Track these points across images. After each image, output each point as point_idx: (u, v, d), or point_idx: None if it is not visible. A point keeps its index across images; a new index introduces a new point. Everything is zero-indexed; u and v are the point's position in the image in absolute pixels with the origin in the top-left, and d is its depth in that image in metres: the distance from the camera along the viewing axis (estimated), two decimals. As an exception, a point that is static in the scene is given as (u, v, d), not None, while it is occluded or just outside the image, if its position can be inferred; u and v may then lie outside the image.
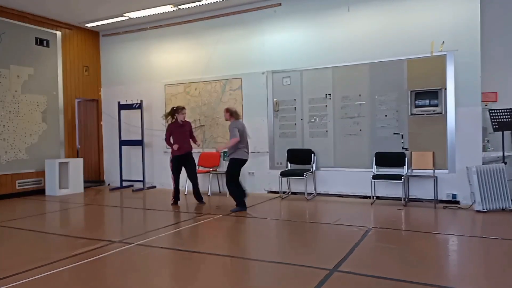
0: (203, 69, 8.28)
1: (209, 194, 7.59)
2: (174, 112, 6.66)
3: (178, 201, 6.73)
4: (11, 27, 7.82)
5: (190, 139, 6.77)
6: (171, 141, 6.68)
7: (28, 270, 3.52)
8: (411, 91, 6.44)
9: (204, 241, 4.71)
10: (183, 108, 6.76)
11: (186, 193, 7.83)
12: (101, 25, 8.92)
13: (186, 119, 6.83)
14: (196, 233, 5.02)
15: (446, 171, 6.29)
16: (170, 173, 6.86)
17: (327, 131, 7.17)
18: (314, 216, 5.84)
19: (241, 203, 6.08)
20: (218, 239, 4.76)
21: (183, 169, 6.77)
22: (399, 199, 6.46)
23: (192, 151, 6.80)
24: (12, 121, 7.82)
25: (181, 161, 6.68)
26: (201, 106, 8.28)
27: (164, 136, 6.85)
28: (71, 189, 8.21)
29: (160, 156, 8.82)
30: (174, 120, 6.69)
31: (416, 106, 6.41)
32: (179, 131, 6.66)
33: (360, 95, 6.90)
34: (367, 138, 6.86)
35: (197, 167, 7.01)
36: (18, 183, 7.91)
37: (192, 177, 6.74)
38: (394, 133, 6.65)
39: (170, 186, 8.54)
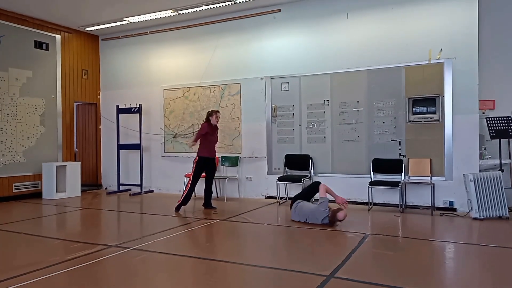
0: (202, 74, 8.31)
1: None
2: (209, 115, 6.60)
3: (182, 207, 6.47)
4: (11, 30, 7.83)
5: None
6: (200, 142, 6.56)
7: (24, 274, 3.50)
8: (408, 98, 6.47)
9: (201, 246, 4.70)
10: (218, 111, 6.70)
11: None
12: (100, 29, 8.95)
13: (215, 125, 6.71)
14: (193, 238, 5.01)
15: (443, 178, 6.30)
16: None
17: (325, 137, 7.19)
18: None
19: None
20: (214, 244, 4.75)
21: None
22: (396, 205, 6.46)
23: (215, 158, 6.73)
24: (10, 124, 7.82)
25: (206, 164, 6.54)
26: (199, 111, 8.29)
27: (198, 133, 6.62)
28: (68, 193, 8.19)
29: (158, 161, 8.81)
30: (208, 120, 6.58)
31: (414, 113, 6.44)
32: (212, 133, 6.60)
33: (358, 101, 6.92)
34: (364, 144, 6.87)
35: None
36: (15, 186, 7.89)
37: (210, 182, 6.67)
38: (392, 140, 6.67)
39: (168, 190, 8.61)
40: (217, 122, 6.63)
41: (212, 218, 5.95)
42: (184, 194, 6.42)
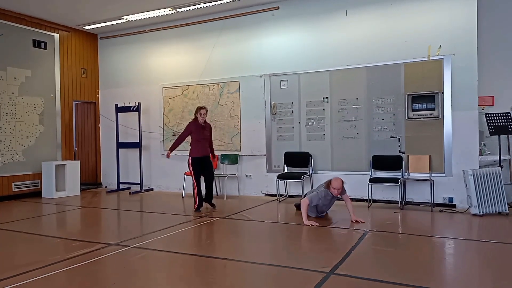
0: (201, 72, 8.29)
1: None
2: (195, 113, 6.34)
3: (201, 207, 6.35)
4: (9, 29, 7.81)
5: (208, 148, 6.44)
6: (189, 142, 6.33)
7: (24, 273, 3.50)
8: (408, 95, 6.47)
9: (201, 244, 4.70)
10: (202, 108, 6.29)
11: (183, 195, 7.83)
12: (99, 27, 8.93)
13: (207, 121, 6.44)
14: (193, 236, 5.01)
15: (443, 174, 6.31)
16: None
17: (324, 134, 7.18)
18: (311, 220, 5.83)
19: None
20: (214, 242, 4.75)
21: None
22: (395, 202, 6.47)
23: (209, 155, 6.46)
24: (8, 123, 7.80)
25: (200, 164, 6.30)
26: (198, 109, 8.27)
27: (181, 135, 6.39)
28: (68, 192, 8.19)
29: (157, 159, 8.81)
30: (194, 118, 6.32)
31: (413, 110, 6.44)
32: (200, 132, 6.27)
33: (357, 98, 6.92)
34: (364, 141, 6.87)
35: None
36: (15, 185, 7.88)
37: (209, 181, 6.40)
38: (391, 137, 6.67)
39: (168, 189, 8.63)
40: (203, 119, 6.26)
41: (212, 216, 5.95)
42: (196, 197, 6.31)
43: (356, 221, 5.29)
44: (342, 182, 5.42)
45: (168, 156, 6.57)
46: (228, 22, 8.01)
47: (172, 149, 6.41)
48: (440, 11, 6.33)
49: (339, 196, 5.48)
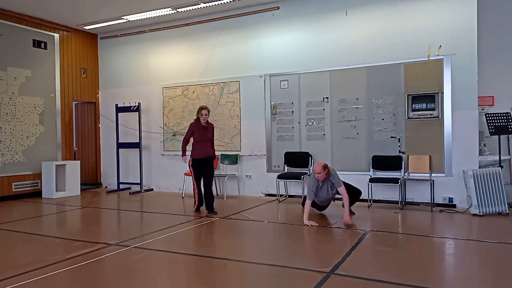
0: (201, 72, 8.30)
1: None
2: (197, 113, 6.24)
3: (201, 207, 6.30)
4: (9, 29, 7.81)
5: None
6: (191, 142, 6.24)
7: (24, 273, 3.51)
8: (408, 95, 6.47)
9: (201, 244, 4.70)
10: (203, 108, 6.17)
11: (184, 196, 7.83)
12: (99, 27, 8.93)
13: (209, 122, 6.31)
14: (193, 236, 5.01)
15: (443, 174, 6.31)
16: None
17: (324, 134, 7.19)
18: (311, 219, 5.83)
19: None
20: (215, 242, 4.75)
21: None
22: (395, 202, 6.47)
23: (212, 156, 6.34)
24: (9, 123, 7.80)
25: (201, 165, 6.18)
26: (198, 109, 8.27)
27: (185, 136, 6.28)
28: (68, 192, 8.19)
29: (157, 159, 8.81)
30: (196, 119, 6.23)
31: (413, 110, 6.44)
32: (201, 133, 6.15)
33: (357, 98, 6.92)
34: (364, 141, 6.87)
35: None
36: (15, 185, 7.88)
37: (208, 184, 6.21)
38: (391, 137, 6.67)
39: (168, 189, 8.63)
40: (205, 120, 6.12)
41: (212, 216, 5.96)
42: (196, 198, 6.28)
43: (345, 223, 5.14)
44: (323, 166, 5.31)
45: (184, 160, 6.35)
46: (228, 22, 8.01)
47: (183, 152, 6.32)
48: (440, 11, 6.34)
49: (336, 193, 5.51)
